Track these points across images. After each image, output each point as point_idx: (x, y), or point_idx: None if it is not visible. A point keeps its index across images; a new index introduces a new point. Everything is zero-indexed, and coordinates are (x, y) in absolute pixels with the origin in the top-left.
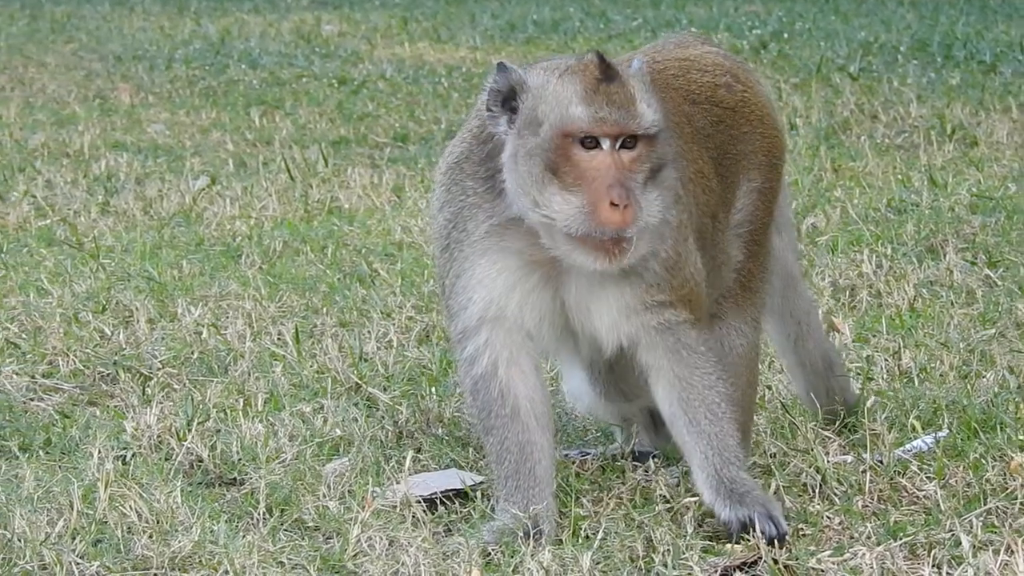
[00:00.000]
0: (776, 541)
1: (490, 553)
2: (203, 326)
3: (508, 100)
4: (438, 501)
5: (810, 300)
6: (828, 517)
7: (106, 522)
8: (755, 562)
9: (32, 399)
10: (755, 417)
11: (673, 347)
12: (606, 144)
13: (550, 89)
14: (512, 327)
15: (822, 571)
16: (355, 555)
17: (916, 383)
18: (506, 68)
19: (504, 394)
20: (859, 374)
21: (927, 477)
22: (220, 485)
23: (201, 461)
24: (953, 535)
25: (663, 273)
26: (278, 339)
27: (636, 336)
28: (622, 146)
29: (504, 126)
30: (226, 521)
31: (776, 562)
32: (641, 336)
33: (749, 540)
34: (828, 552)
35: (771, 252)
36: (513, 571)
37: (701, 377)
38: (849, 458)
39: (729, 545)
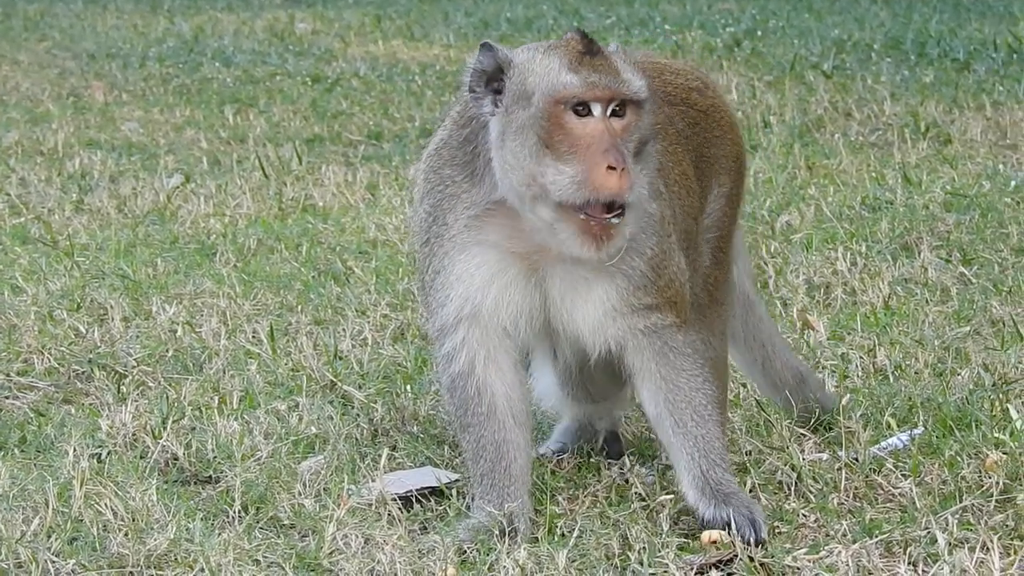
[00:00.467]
0: (753, 544)
1: (465, 551)
2: (178, 324)
3: (492, 80)
4: (413, 499)
5: (771, 321)
6: (803, 515)
7: (81, 520)
8: (731, 560)
9: (7, 397)
10: (730, 415)
11: (660, 350)
12: (597, 110)
13: (538, 62)
14: (489, 325)
15: (798, 569)
16: (331, 553)
17: (891, 381)
18: (491, 47)
19: (481, 392)
20: (834, 372)
21: (902, 475)
22: (195, 483)
23: (176, 459)
24: (929, 533)
25: (649, 273)
26: (253, 337)
27: (623, 339)
28: (612, 114)
29: (489, 107)
30: (201, 519)
31: (752, 560)
32: (628, 339)
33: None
34: (804, 550)
35: (733, 261)
36: (489, 569)
37: (688, 379)
38: (824, 456)
39: (703, 535)
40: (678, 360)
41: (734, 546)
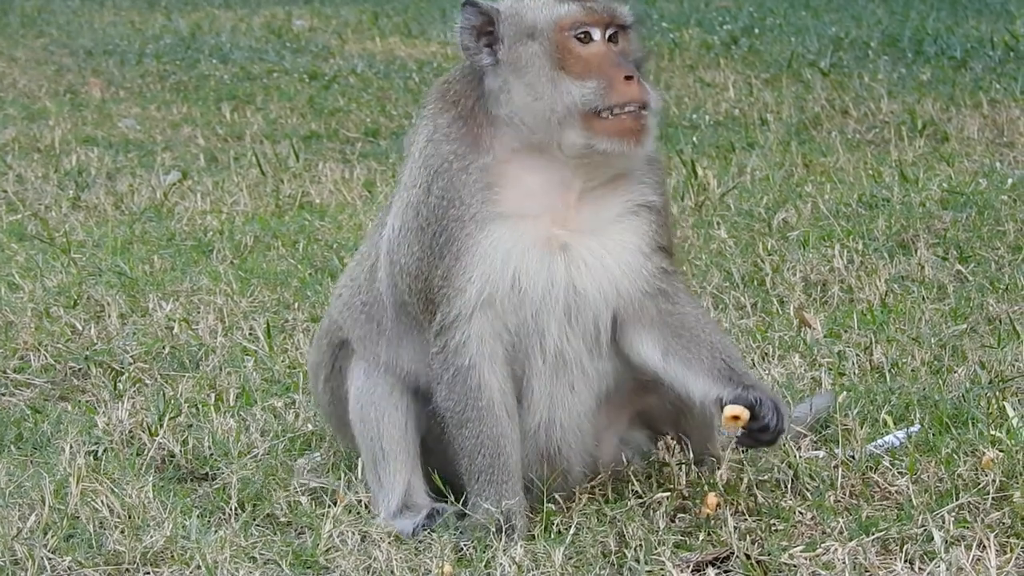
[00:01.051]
0: (773, 436)
1: (462, 548)
2: (174, 321)
3: (482, 34)
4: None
5: None
6: (800, 512)
7: (78, 517)
8: (727, 557)
9: (3, 394)
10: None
11: (666, 292)
12: (597, 35)
13: (528, 2)
14: (505, 307)
15: (794, 566)
16: (327, 550)
17: (888, 378)
18: (475, 3)
19: (481, 386)
20: (831, 369)
21: (899, 472)
22: (192, 480)
23: (173, 456)
24: (925, 530)
25: (658, 222)
26: (249, 334)
27: (632, 290)
28: (609, 39)
29: (488, 58)
30: (198, 516)
31: (748, 557)
32: (637, 288)
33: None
34: (800, 547)
35: None
36: (485, 566)
37: (694, 311)
38: (821, 453)
39: (726, 410)
40: (682, 298)
41: (729, 543)
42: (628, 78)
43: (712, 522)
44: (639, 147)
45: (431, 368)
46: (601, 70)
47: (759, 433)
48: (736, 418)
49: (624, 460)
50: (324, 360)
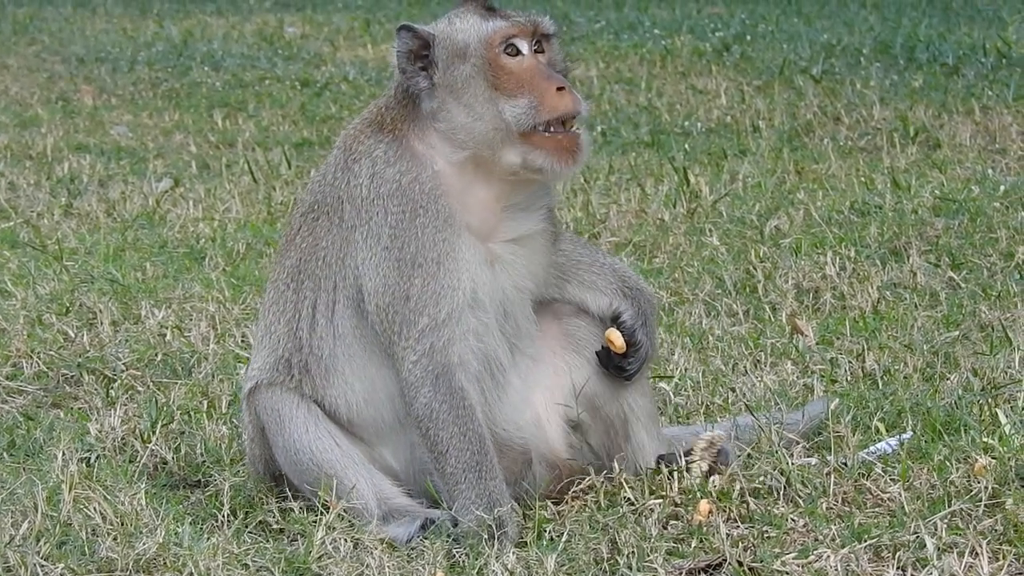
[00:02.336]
0: (626, 377)
1: (455, 555)
2: (167, 328)
3: (418, 58)
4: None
5: None
6: (793, 519)
7: (71, 524)
8: (720, 564)
9: None
10: (718, 420)
11: (559, 251)
12: (524, 47)
13: (460, 22)
14: (489, 306)
15: (787, 573)
16: (319, 557)
17: (880, 385)
18: (411, 27)
19: (463, 386)
20: (823, 376)
21: (891, 479)
22: (185, 487)
23: (166, 463)
24: (918, 537)
25: (553, 215)
26: (242, 341)
27: (545, 276)
28: (536, 51)
29: (425, 81)
30: (191, 523)
31: (741, 564)
32: (548, 272)
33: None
34: (793, 554)
35: None
36: (477, 573)
37: (579, 248)
38: (813, 460)
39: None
40: (568, 242)
41: (722, 551)
42: (560, 89)
43: (704, 529)
44: (574, 165)
45: (410, 375)
46: (533, 84)
47: (616, 368)
48: (612, 342)
49: (584, 462)
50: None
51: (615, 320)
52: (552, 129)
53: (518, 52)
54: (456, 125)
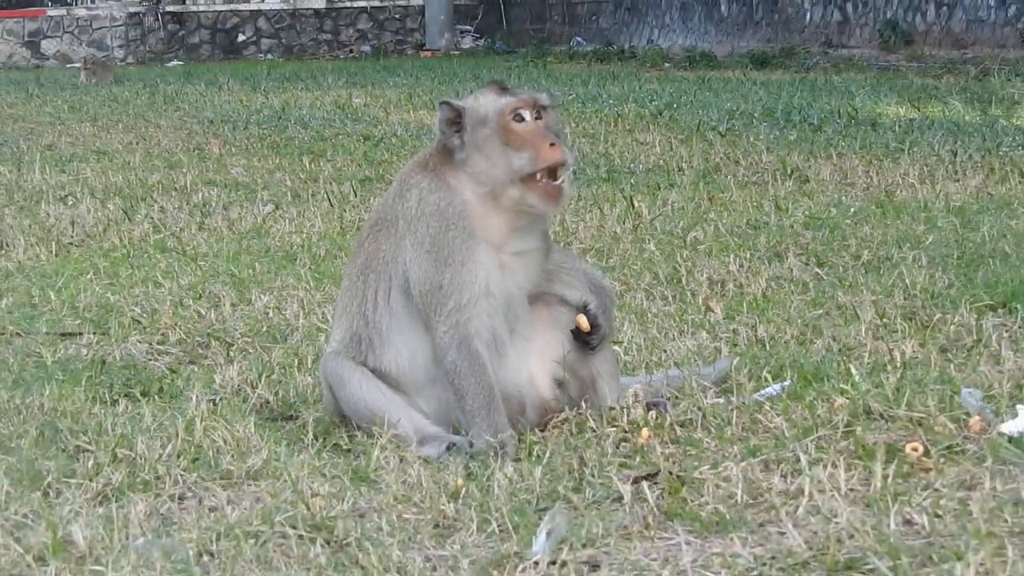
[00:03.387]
0: (592, 347)
1: (470, 467)
2: (270, 308)
3: (453, 124)
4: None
5: None
6: (707, 442)
7: (201, 446)
8: (656, 473)
9: (150, 359)
10: (655, 371)
11: (551, 260)
12: (528, 115)
13: (481, 100)
14: (497, 296)
15: (703, 480)
16: (376, 469)
17: (768, 348)
18: (449, 103)
19: (479, 349)
20: (728, 342)
21: (776, 414)
22: (281, 420)
23: (268, 403)
24: (794, 454)
25: (549, 235)
26: (322, 317)
27: (539, 279)
28: (536, 117)
29: (457, 140)
30: (285, 445)
31: (671, 473)
32: (541, 276)
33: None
34: (707, 466)
35: None
36: (487, 480)
37: (567, 258)
38: (721, 400)
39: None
40: (558, 253)
41: (657, 463)
42: (552, 145)
43: (645, 449)
44: (557, 207)
45: (442, 341)
46: (532, 142)
47: (583, 342)
48: (580, 324)
49: (562, 404)
50: (324, 387)
51: (584, 308)
52: (544, 178)
53: (523, 119)
54: (479, 170)
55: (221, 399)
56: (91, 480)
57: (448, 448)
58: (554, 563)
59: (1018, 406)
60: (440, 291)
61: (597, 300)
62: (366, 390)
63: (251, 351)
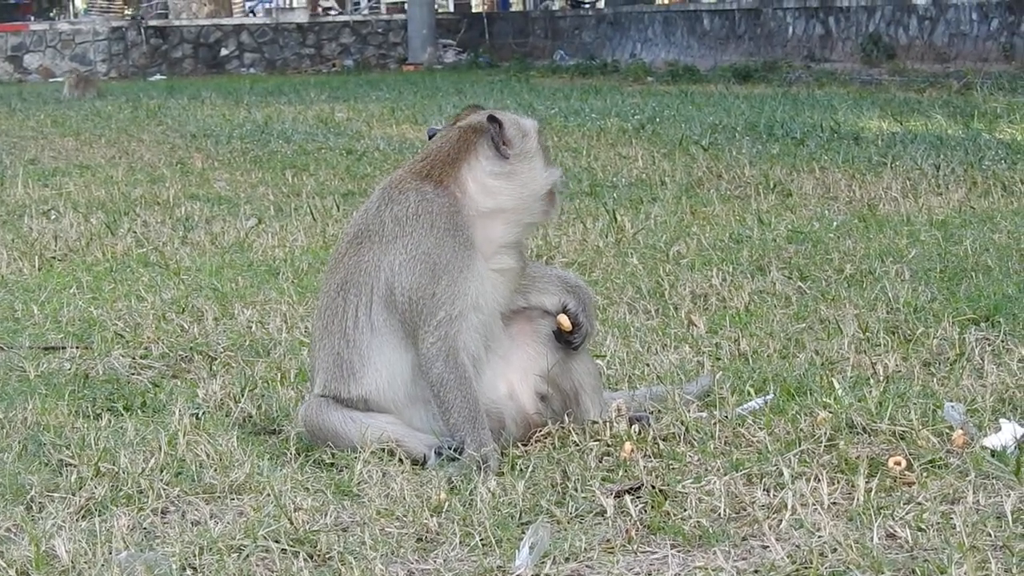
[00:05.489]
0: (575, 347)
1: (452, 481)
2: (253, 323)
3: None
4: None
5: None
6: (690, 456)
7: (184, 460)
8: (639, 487)
9: (133, 373)
10: (637, 387)
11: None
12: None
13: (511, 118)
14: (485, 309)
15: (686, 493)
16: (359, 483)
17: (751, 361)
18: (497, 118)
19: (465, 362)
20: (711, 355)
21: (759, 427)
22: (264, 434)
23: (251, 416)
24: (777, 468)
25: (524, 258)
26: (305, 331)
27: (516, 288)
28: None
29: (508, 152)
30: (268, 459)
31: (654, 487)
32: (518, 285)
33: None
34: (690, 480)
35: None
36: (469, 494)
37: (537, 266)
38: (704, 414)
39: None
40: (531, 263)
41: (640, 477)
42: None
43: (628, 463)
44: (555, 215)
45: (429, 351)
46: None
47: (566, 343)
48: (562, 324)
49: (545, 418)
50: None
51: (564, 309)
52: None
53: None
54: (513, 184)
55: (204, 413)
56: (74, 494)
57: (437, 453)
58: None
59: (1001, 420)
60: (432, 300)
61: (575, 299)
62: (349, 426)
63: (234, 365)
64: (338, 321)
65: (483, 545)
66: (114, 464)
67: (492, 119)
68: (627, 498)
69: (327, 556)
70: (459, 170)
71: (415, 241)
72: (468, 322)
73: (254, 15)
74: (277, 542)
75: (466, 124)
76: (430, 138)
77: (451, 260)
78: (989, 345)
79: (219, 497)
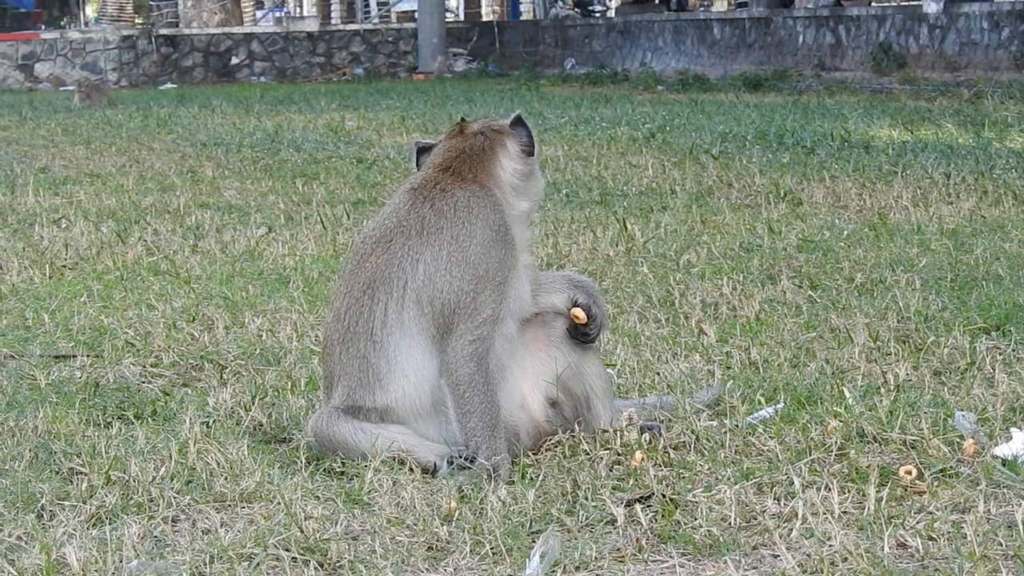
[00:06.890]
0: (591, 340)
1: (463, 490)
2: (263, 331)
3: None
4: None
5: None
6: (700, 465)
7: (195, 468)
8: (650, 496)
9: (143, 382)
10: (648, 394)
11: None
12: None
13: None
14: (521, 313)
15: (696, 503)
16: (369, 491)
17: (761, 370)
18: (522, 122)
19: (492, 367)
20: (721, 364)
21: (769, 436)
22: (274, 442)
23: (261, 425)
24: (788, 477)
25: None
26: (315, 340)
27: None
28: None
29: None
30: (279, 467)
31: (664, 496)
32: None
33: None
34: (701, 489)
35: None
36: (480, 503)
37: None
38: (715, 423)
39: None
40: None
41: (651, 486)
42: None
43: (639, 471)
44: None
45: (462, 351)
46: None
47: (583, 336)
48: (577, 317)
49: (556, 426)
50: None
51: (575, 304)
52: None
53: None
54: (536, 186)
55: (214, 422)
56: (85, 502)
57: (449, 462)
58: None
59: (1012, 429)
60: (476, 299)
61: (584, 293)
62: (360, 437)
63: (244, 374)
64: (364, 322)
65: (493, 554)
66: (125, 472)
67: (520, 121)
68: (637, 507)
69: (337, 565)
70: (492, 171)
71: (465, 236)
72: (506, 326)
73: (264, 23)
74: (288, 551)
75: (486, 127)
76: (417, 151)
77: (502, 261)
78: (1000, 354)
79: (229, 505)
